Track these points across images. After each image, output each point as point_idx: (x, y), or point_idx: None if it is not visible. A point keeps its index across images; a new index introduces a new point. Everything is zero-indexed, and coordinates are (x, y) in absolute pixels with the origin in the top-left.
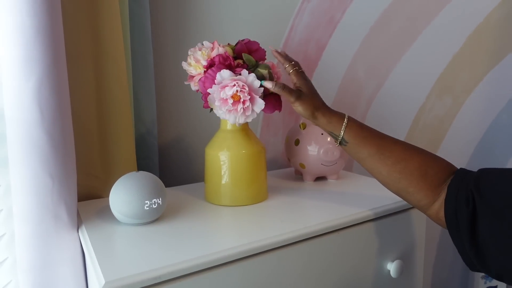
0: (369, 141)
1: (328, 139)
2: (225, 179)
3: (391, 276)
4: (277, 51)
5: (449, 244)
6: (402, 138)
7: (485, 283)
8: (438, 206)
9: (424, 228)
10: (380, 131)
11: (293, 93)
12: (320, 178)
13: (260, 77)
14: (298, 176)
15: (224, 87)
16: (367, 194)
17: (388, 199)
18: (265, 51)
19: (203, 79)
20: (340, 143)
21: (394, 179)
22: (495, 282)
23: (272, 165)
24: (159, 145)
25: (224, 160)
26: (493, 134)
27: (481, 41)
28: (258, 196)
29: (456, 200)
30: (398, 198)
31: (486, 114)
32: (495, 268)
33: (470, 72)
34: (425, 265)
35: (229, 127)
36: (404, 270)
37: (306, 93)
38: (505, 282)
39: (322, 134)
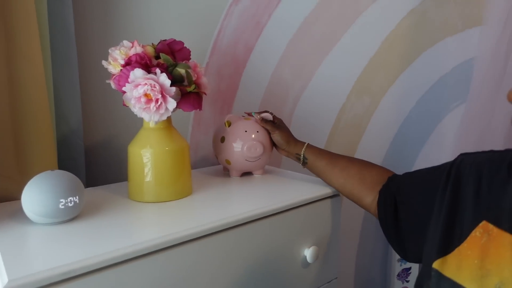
0: (322, 156)
1: (253, 135)
2: (148, 177)
3: (307, 262)
4: (256, 114)
5: (370, 233)
6: (325, 136)
7: (401, 265)
8: (375, 205)
9: (339, 217)
10: (306, 129)
11: (274, 125)
12: (246, 174)
13: (178, 77)
14: (226, 172)
15: (136, 85)
16: (288, 187)
17: (306, 191)
18: (190, 51)
19: (117, 77)
20: (303, 162)
21: (341, 184)
22: (409, 264)
23: (203, 163)
24: (86, 145)
25: (147, 157)
26: (405, 131)
27: (394, 46)
28: (182, 191)
29: (384, 201)
30: (316, 189)
31: (399, 113)
32: (411, 255)
33: (385, 74)
34: (348, 252)
35: (151, 125)
36: (319, 255)
37: (283, 127)
38: (419, 262)
39: (246, 131)
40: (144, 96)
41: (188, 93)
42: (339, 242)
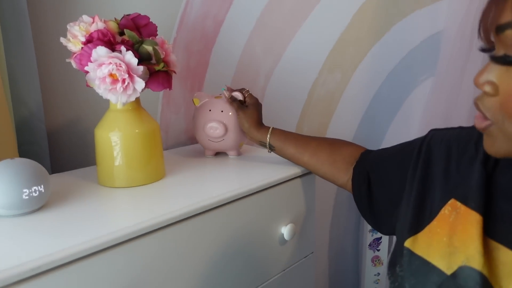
0: (289, 143)
1: (215, 115)
2: (118, 161)
3: (284, 239)
4: (226, 91)
5: (343, 206)
6: (298, 112)
7: (372, 235)
8: (350, 183)
9: (314, 193)
10: (279, 105)
11: (241, 106)
12: (222, 154)
13: (145, 54)
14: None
15: (100, 65)
16: (263, 167)
17: (280, 170)
18: (156, 27)
19: (79, 56)
20: (270, 149)
21: (313, 169)
22: (379, 234)
23: (174, 143)
24: (48, 129)
25: (115, 141)
26: (376, 105)
27: (364, 20)
28: (154, 175)
29: (358, 179)
30: (290, 169)
31: (369, 87)
32: (385, 229)
33: (356, 49)
34: (322, 226)
35: (119, 106)
36: (296, 232)
37: (251, 109)
38: (391, 234)
39: (210, 110)
40: (109, 76)
41: (157, 72)
42: (314, 218)
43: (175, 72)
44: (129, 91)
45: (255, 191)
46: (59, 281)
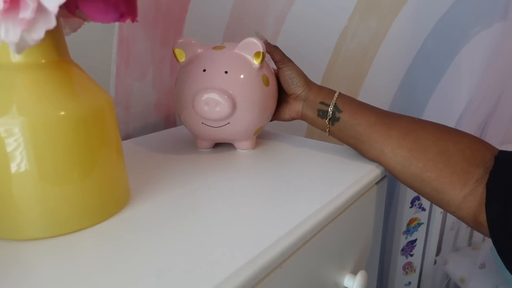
0: (367, 110)
1: (214, 79)
2: (20, 180)
3: None
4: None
5: None
6: (320, 73)
7: (406, 238)
8: (475, 206)
9: (382, 211)
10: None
11: (284, 57)
12: (225, 146)
13: None
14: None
15: None
16: (304, 170)
17: (337, 178)
18: None
19: None
20: (332, 118)
21: (403, 160)
22: (415, 236)
23: (141, 126)
24: None
25: (9, 136)
26: (420, 63)
27: None
28: (106, 203)
29: (503, 202)
30: (356, 168)
31: (412, 42)
32: None
33: None
34: None
35: (14, 58)
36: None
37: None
38: None
39: (204, 70)
40: None
41: None
42: (379, 250)
43: None
44: (26, 12)
45: (313, 233)
46: None
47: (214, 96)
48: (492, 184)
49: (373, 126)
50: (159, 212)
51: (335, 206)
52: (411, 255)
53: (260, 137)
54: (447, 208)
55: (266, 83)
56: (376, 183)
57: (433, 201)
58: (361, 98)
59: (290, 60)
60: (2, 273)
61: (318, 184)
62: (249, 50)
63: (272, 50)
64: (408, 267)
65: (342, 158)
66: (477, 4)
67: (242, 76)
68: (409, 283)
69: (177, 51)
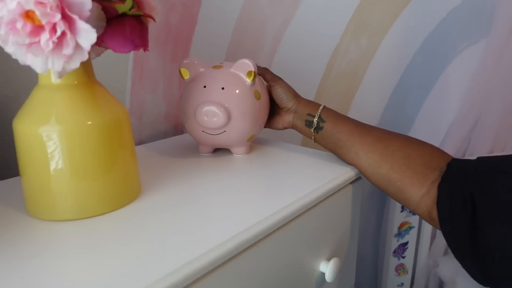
0: (346, 120)
1: (212, 94)
2: (57, 174)
3: (325, 280)
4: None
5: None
6: (314, 87)
7: (398, 240)
8: (430, 204)
9: (359, 208)
10: (289, 78)
11: (274, 77)
12: (223, 151)
13: None
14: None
15: None
16: (289, 172)
17: (319, 175)
18: None
19: None
20: (316, 128)
21: (373, 163)
22: (406, 238)
23: (153, 134)
24: None
25: (50, 140)
26: (408, 78)
27: None
28: (122, 194)
29: (450, 203)
30: (332, 170)
31: (401, 56)
32: (502, 280)
33: (386, 8)
34: None
35: (55, 80)
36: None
37: (283, 81)
38: None
39: (205, 87)
40: (23, 17)
41: (121, 16)
42: (356, 242)
43: (153, 19)
44: (67, 49)
45: (287, 219)
46: None
47: (213, 108)
48: (443, 186)
49: (350, 134)
50: (164, 203)
51: (311, 199)
52: (403, 257)
53: (256, 143)
54: (408, 205)
55: (258, 97)
56: (351, 183)
57: (398, 199)
58: (352, 112)
59: (280, 79)
60: (42, 245)
61: (299, 181)
62: (243, 70)
63: (263, 72)
64: (400, 269)
65: (324, 161)
66: (464, 21)
67: (237, 92)
68: (402, 284)
69: (183, 70)
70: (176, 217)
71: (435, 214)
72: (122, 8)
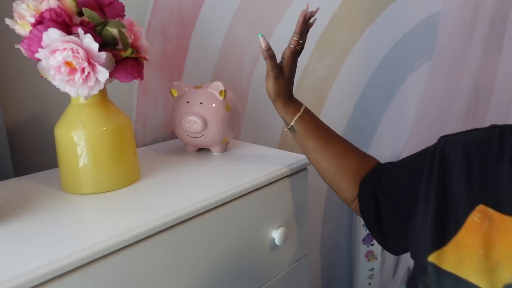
0: (316, 134)
1: (194, 108)
2: (83, 164)
3: (276, 244)
4: (304, 17)
5: (335, 200)
6: None
7: (366, 230)
8: (357, 201)
9: (307, 192)
10: (267, 98)
11: (275, 69)
12: (205, 150)
13: (109, 38)
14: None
15: (53, 51)
16: (251, 165)
17: (271, 168)
18: (123, 6)
19: (27, 40)
20: (290, 130)
21: (330, 173)
22: None
23: (154, 138)
24: (8, 126)
25: (79, 141)
26: (369, 93)
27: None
28: (127, 178)
29: (365, 196)
30: (281, 165)
31: (362, 73)
32: (393, 248)
33: (348, 31)
34: (315, 220)
35: (82, 100)
36: (288, 235)
37: (285, 76)
38: (401, 254)
39: (188, 102)
40: (65, 65)
41: (124, 59)
42: (307, 218)
43: (146, 60)
44: (91, 82)
45: (242, 193)
46: None
47: (193, 118)
48: (363, 184)
49: (317, 149)
50: (157, 184)
51: (261, 181)
52: (372, 245)
53: (236, 145)
54: (347, 203)
55: (229, 109)
56: (292, 175)
57: (341, 198)
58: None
59: (276, 74)
60: (70, 212)
61: (254, 170)
62: (216, 89)
63: (266, 58)
64: (370, 255)
65: (281, 158)
66: (419, 40)
67: (212, 105)
68: (372, 268)
69: (172, 90)
70: (166, 192)
71: (357, 205)
72: (125, 54)
